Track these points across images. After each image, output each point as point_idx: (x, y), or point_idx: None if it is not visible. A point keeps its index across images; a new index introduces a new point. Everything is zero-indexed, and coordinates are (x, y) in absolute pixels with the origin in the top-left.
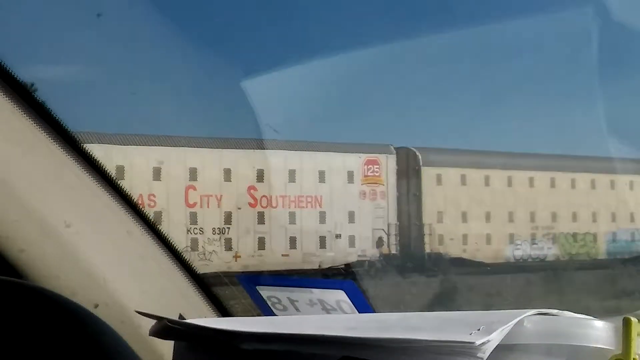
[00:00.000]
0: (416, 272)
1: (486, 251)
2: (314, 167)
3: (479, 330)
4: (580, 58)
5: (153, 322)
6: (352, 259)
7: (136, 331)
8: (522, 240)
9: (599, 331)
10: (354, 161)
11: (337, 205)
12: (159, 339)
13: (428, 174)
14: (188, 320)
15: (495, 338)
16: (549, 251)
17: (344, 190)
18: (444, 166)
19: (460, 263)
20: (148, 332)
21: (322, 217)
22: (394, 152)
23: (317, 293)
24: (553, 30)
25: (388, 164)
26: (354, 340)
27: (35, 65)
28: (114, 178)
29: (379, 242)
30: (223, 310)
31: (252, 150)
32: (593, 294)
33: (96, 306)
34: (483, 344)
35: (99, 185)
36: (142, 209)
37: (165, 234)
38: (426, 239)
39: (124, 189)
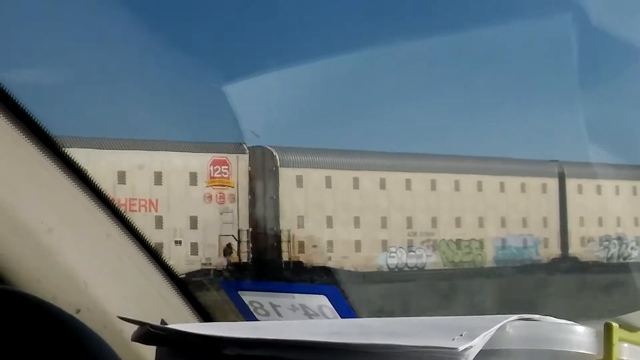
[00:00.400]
0: (270, 281)
1: (355, 259)
2: (150, 168)
3: (461, 335)
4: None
5: (135, 327)
6: (195, 267)
7: (119, 336)
8: (397, 247)
9: (580, 336)
10: (199, 161)
11: (176, 209)
12: (142, 344)
13: (287, 175)
14: (170, 326)
15: (478, 344)
16: (429, 259)
17: (185, 193)
18: (306, 167)
19: (323, 272)
20: (130, 337)
21: (159, 222)
22: (247, 151)
23: (299, 298)
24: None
25: (239, 164)
26: (337, 346)
27: (11, 68)
28: (94, 181)
29: (227, 250)
30: (205, 315)
31: (77, 148)
32: (474, 307)
33: (78, 311)
34: (466, 349)
35: (79, 188)
36: (123, 212)
37: (146, 238)
38: (284, 247)
39: (104, 192)
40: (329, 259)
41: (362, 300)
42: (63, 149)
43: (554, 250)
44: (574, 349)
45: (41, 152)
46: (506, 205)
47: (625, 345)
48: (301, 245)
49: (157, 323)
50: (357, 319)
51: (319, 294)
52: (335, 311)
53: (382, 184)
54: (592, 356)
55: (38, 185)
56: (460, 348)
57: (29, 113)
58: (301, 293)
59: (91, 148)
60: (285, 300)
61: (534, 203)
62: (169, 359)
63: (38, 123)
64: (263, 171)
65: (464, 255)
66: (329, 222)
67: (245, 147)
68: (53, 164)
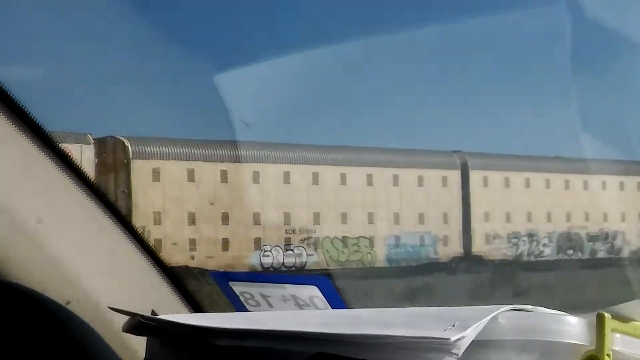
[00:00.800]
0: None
1: (222, 258)
2: None
3: (453, 326)
4: None
5: (126, 318)
6: None
7: (109, 327)
8: (272, 246)
9: (572, 327)
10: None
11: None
12: (132, 335)
13: (141, 167)
14: (161, 317)
15: (470, 334)
16: (310, 258)
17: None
18: (164, 159)
19: (182, 272)
20: (121, 328)
21: None
22: (92, 141)
23: (290, 289)
24: None
25: (83, 155)
26: (328, 337)
27: (7, 64)
28: (87, 175)
29: None
30: (196, 306)
31: None
32: None
33: (68, 302)
34: (458, 340)
35: (72, 181)
36: (115, 205)
37: (138, 230)
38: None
39: (97, 186)
40: (192, 258)
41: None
42: (56, 143)
43: (455, 249)
44: (566, 340)
45: (34, 146)
46: (400, 200)
47: (618, 335)
48: (158, 243)
49: (148, 314)
50: (348, 309)
51: (310, 284)
52: (326, 302)
53: (256, 178)
54: (585, 347)
55: (31, 178)
56: (453, 338)
57: (23, 108)
58: (292, 284)
59: None
60: (276, 290)
61: (433, 197)
62: (159, 350)
63: (32, 117)
64: (113, 163)
65: (351, 254)
66: (192, 218)
67: (91, 137)
68: (46, 157)
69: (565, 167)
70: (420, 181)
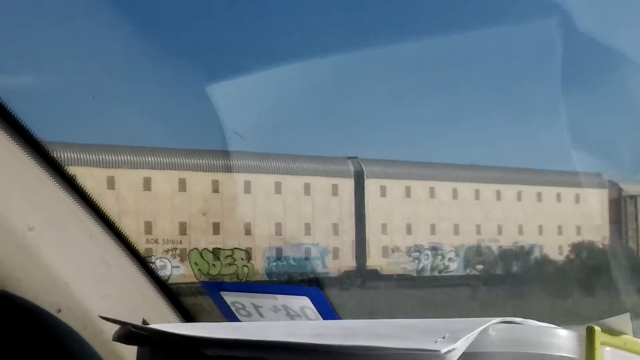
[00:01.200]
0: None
1: None
2: None
3: (444, 338)
4: None
5: (117, 327)
6: None
7: (99, 336)
8: None
9: (563, 340)
10: None
11: None
12: (123, 344)
13: None
14: (151, 326)
15: (460, 346)
16: (175, 270)
17: None
18: None
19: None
20: (112, 337)
21: None
22: None
23: (281, 299)
24: None
25: None
26: (319, 348)
27: None
28: (78, 182)
29: None
30: (187, 316)
31: None
32: None
33: (59, 311)
34: (448, 352)
35: (62, 189)
36: (106, 213)
37: (129, 239)
38: None
39: (88, 194)
40: None
41: None
42: (47, 150)
43: (347, 262)
44: (557, 352)
45: (25, 153)
46: (284, 209)
47: (607, 348)
48: None
49: (139, 323)
50: (339, 320)
51: (302, 295)
52: (317, 312)
53: (110, 183)
54: (575, 359)
55: (21, 185)
56: (443, 350)
57: (13, 114)
58: (283, 294)
59: None
60: (267, 301)
61: (322, 207)
62: (150, 359)
63: (22, 124)
64: None
65: (223, 267)
66: None
67: None
68: (37, 164)
69: (476, 176)
70: (307, 189)
